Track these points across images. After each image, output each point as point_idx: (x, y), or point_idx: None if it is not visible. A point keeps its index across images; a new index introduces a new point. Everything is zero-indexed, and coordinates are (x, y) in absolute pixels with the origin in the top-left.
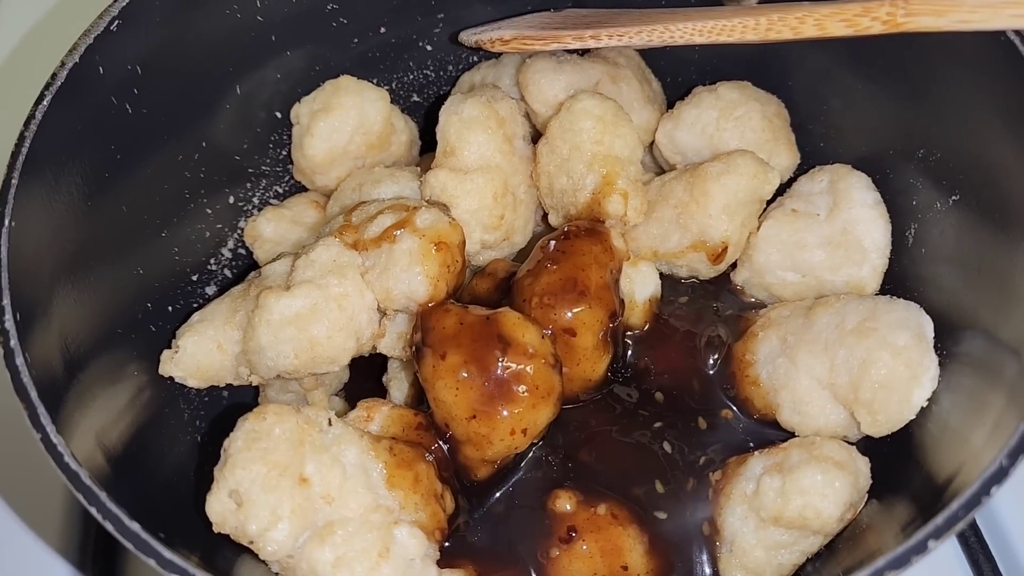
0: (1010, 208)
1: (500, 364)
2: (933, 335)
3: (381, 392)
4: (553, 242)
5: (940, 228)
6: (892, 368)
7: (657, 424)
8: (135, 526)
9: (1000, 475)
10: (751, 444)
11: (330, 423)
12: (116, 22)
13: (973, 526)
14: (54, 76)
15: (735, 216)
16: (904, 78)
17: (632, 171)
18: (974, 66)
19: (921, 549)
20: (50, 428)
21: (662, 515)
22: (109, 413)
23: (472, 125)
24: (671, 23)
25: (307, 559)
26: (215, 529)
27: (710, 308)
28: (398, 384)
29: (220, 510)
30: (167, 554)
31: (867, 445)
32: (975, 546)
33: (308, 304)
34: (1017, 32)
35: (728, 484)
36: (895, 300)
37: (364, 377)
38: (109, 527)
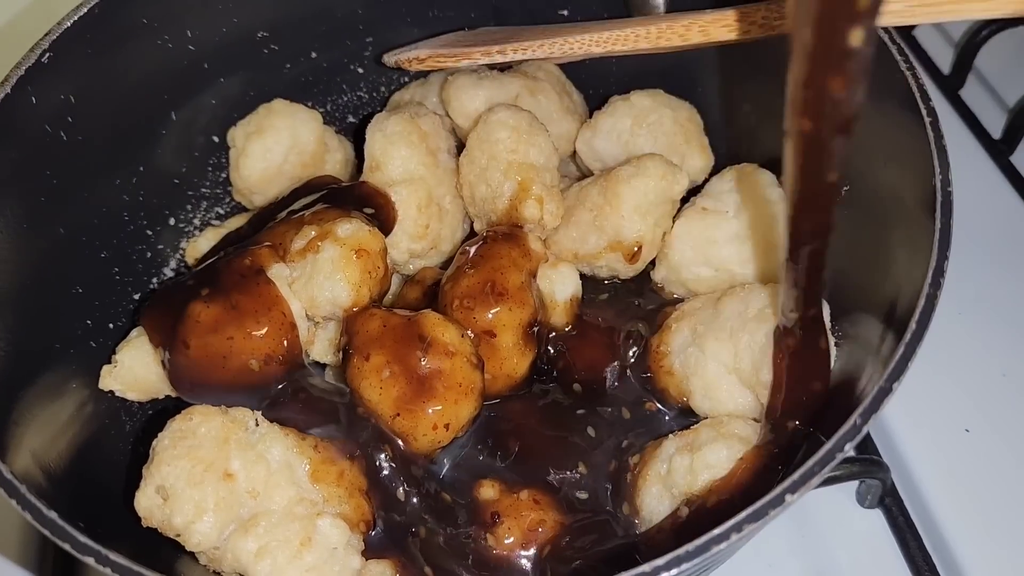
0: (888, 191)
1: (422, 362)
2: (830, 318)
3: None
4: (472, 247)
5: (837, 218)
6: None
7: (580, 411)
8: (52, 515)
9: (853, 432)
10: (673, 430)
11: (256, 423)
12: (47, 54)
13: (900, 506)
14: None
15: (647, 216)
16: None
17: (547, 177)
18: None
19: (779, 503)
20: None
21: (583, 495)
22: (50, 426)
23: (395, 140)
24: (571, 35)
25: (232, 549)
26: (143, 523)
27: (631, 305)
28: None
29: (147, 505)
30: (82, 538)
31: None
32: (903, 525)
33: None
34: (886, 30)
35: (645, 467)
36: None
37: None
38: (28, 517)
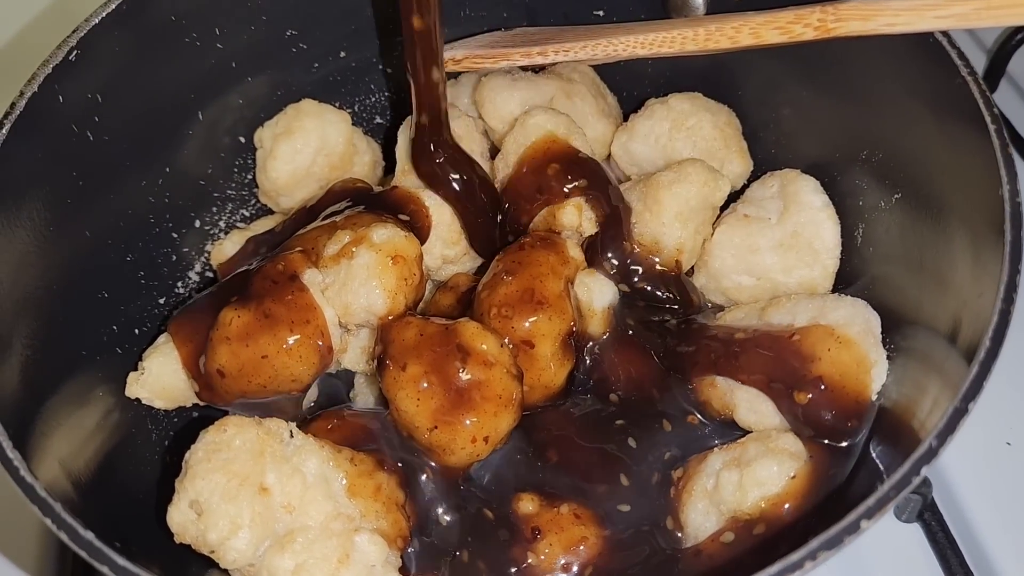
0: (944, 201)
1: (460, 373)
2: (880, 330)
3: None
4: (509, 254)
5: (885, 226)
6: None
7: (619, 422)
8: (89, 535)
9: (929, 455)
10: (715, 443)
11: (291, 435)
12: (75, 52)
13: (939, 520)
14: (13, 106)
15: (688, 223)
16: (845, 83)
17: None
18: (906, 67)
19: (854, 529)
20: (6, 444)
21: (625, 507)
22: (76, 434)
23: None
24: (614, 37)
25: (268, 567)
26: (176, 539)
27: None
28: (364, 399)
29: (181, 520)
30: (120, 560)
31: None
32: (942, 540)
33: None
34: (944, 33)
35: (689, 481)
36: (842, 297)
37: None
38: (64, 537)
